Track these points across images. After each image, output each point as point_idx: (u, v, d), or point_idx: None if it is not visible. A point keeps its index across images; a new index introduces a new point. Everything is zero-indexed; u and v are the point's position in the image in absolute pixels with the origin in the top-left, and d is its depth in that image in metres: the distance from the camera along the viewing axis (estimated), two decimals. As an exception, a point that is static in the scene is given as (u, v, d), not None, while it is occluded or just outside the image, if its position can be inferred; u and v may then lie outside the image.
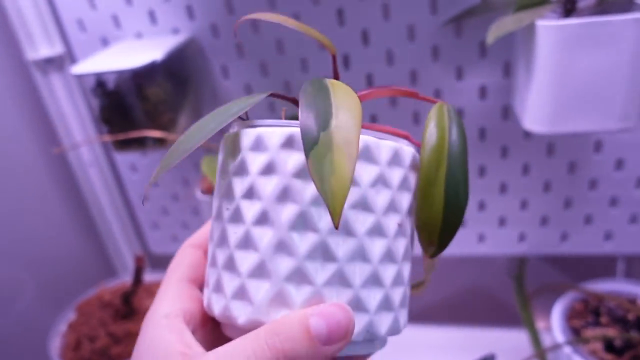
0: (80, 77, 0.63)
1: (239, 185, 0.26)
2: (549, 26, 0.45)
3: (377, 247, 0.25)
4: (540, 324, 0.73)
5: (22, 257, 0.74)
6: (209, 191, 0.68)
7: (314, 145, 0.21)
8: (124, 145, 0.60)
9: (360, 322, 0.25)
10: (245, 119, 0.27)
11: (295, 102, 0.28)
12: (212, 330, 0.29)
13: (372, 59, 0.62)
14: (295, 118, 0.24)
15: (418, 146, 0.28)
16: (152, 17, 0.64)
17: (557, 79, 0.47)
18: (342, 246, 0.24)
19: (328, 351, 0.23)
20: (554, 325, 0.64)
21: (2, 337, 0.71)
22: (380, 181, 0.25)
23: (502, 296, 0.84)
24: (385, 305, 0.26)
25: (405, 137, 0.29)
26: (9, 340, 0.72)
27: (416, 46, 0.60)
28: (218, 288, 0.26)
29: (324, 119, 0.22)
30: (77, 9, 0.65)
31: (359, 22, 0.60)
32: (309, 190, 0.24)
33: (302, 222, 0.24)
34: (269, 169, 0.25)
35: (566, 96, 0.47)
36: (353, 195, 0.24)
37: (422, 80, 0.62)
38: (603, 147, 0.63)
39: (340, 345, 0.23)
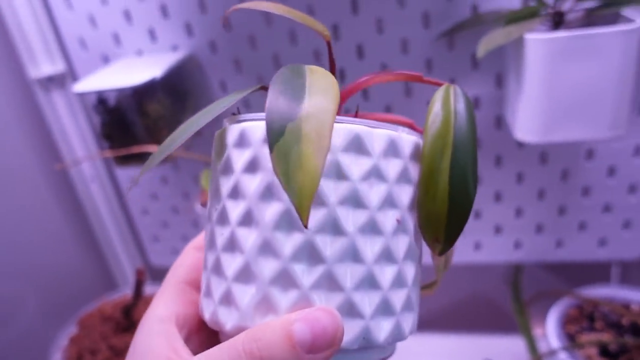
0: (82, 95, 0.64)
1: (225, 185, 0.25)
2: (537, 39, 0.47)
3: (371, 246, 0.23)
4: (537, 330, 0.74)
5: (24, 271, 0.75)
6: (209, 204, 0.69)
7: (279, 137, 0.19)
8: (125, 160, 0.61)
9: (353, 328, 0.23)
10: (237, 114, 0.26)
11: None
12: (210, 335, 0.28)
13: (366, 72, 0.63)
14: None
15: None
16: (151, 34, 0.65)
17: (547, 90, 0.48)
18: (330, 246, 0.22)
19: None
20: (549, 331, 0.65)
21: (4, 352, 0.71)
22: (374, 174, 0.23)
23: (499, 303, 0.84)
24: (384, 309, 0.24)
25: (409, 125, 0.27)
26: (11, 355, 0.72)
27: (410, 59, 0.62)
28: (208, 292, 0.25)
29: (294, 107, 0.20)
30: (79, 27, 0.67)
31: (354, 38, 0.61)
32: None
33: (287, 221, 0.22)
34: (252, 166, 0.23)
35: (556, 107, 0.49)
36: (342, 190, 0.23)
37: (417, 91, 0.64)
38: (595, 154, 0.64)
39: (327, 353, 0.21)
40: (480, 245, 0.74)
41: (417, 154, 0.25)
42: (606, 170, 0.65)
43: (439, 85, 0.26)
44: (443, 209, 0.23)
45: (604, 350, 0.61)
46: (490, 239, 0.73)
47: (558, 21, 0.52)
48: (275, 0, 0.27)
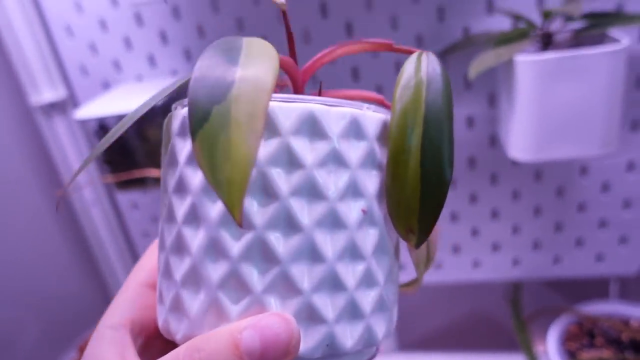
0: (83, 121, 0.65)
1: (171, 179, 0.22)
2: (527, 61, 0.48)
3: (332, 242, 0.20)
4: (539, 347, 0.74)
5: (25, 297, 0.75)
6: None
7: (202, 122, 0.16)
8: (126, 184, 0.62)
9: (314, 335, 0.20)
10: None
11: None
12: (170, 343, 0.25)
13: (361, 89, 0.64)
14: None
15: None
16: (151, 61, 0.67)
17: (537, 110, 0.49)
18: (284, 243, 0.20)
19: None
20: (550, 348, 0.65)
21: (6, 378, 0.71)
22: (333, 159, 0.20)
23: (499, 320, 0.84)
24: (350, 312, 0.21)
25: (379, 102, 0.25)
26: (12, 381, 0.72)
27: (404, 81, 0.63)
28: (160, 298, 0.23)
29: (222, 87, 0.17)
30: (80, 54, 0.68)
31: (349, 60, 0.62)
32: None
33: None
34: None
35: (547, 126, 0.50)
36: (295, 179, 0.20)
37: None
38: (589, 171, 0.65)
39: None
40: (478, 263, 0.75)
41: (385, 135, 0.22)
42: (600, 186, 0.66)
43: (410, 52, 0.23)
44: (415, 194, 0.20)
45: (604, 366, 0.61)
46: (488, 256, 0.74)
47: (547, 42, 0.53)
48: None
